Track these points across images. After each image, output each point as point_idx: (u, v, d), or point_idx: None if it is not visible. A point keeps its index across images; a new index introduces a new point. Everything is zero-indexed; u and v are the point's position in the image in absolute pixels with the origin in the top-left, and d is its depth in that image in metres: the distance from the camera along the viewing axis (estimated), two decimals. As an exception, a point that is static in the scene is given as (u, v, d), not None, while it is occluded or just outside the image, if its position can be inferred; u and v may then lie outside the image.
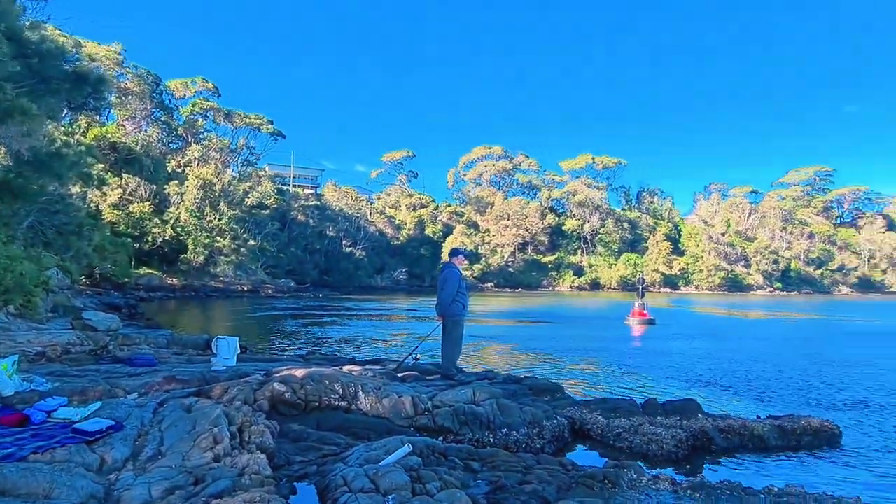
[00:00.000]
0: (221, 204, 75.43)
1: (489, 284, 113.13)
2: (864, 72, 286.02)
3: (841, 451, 10.89)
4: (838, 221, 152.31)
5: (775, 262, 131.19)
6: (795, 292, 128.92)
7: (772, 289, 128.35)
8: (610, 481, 6.77)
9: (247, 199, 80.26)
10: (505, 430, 9.54)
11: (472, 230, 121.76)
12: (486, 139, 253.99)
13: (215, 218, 74.13)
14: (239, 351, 13.49)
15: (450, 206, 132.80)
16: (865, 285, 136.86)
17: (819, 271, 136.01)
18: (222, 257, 71.65)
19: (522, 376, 14.54)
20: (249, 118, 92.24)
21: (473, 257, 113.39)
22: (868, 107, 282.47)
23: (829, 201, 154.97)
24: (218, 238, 72.23)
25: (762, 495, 7.53)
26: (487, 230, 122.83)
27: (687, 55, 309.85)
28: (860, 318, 53.75)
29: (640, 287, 45.05)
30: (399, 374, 12.76)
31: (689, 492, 7.30)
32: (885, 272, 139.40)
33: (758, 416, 12.05)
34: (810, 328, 42.15)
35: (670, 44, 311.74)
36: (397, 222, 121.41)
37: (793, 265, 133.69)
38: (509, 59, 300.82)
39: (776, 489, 7.94)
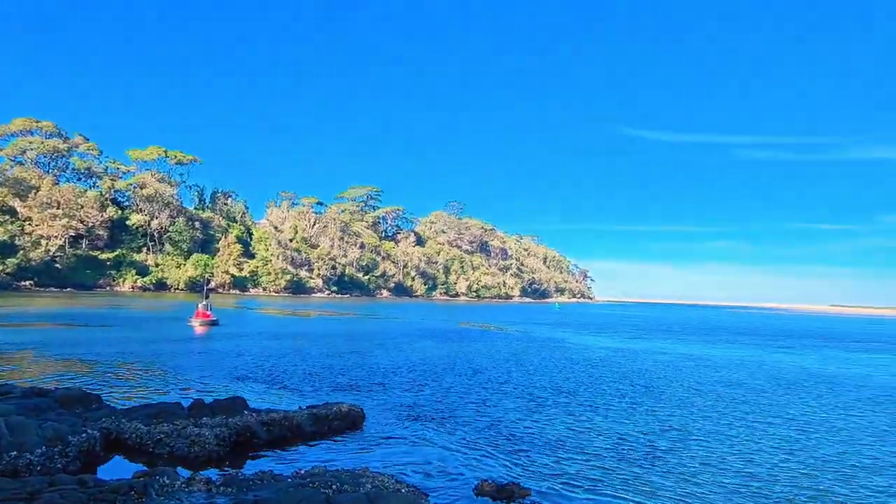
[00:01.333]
0: None
1: (28, 282, 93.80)
2: (411, 109, 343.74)
3: (364, 429, 12.76)
4: (383, 235, 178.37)
5: (334, 267, 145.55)
6: (348, 294, 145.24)
7: (329, 291, 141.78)
8: (137, 492, 6.42)
9: None
10: (15, 453, 8.09)
11: (7, 217, 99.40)
12: (33, 110, 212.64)
13: None
14: None
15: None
16: (400, 290, 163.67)
17: (367, 277, 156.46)
18: None
19: (52, 387, 12.64)
20: None
21: (8, 249, 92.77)
22: (411, 139, 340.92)
23: (377, 217, 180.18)
24: None
25: (290, 479, 8.26)
26: (29, 218, 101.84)
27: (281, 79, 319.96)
28: (393, 316, 64.11)
29: (205, 288, 44.40)
30: None
31: (223, 488, 7.47)
32: (413, 279, 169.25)
33: (300, 407, 13.15)
34: (355, 324, 48.11)
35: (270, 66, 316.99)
36: None
37: (347, 271, 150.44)
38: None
39: (303, 471, 8.82)
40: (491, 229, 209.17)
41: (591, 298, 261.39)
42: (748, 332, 62.56)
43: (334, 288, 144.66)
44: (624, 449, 11.72)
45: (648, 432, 13.15)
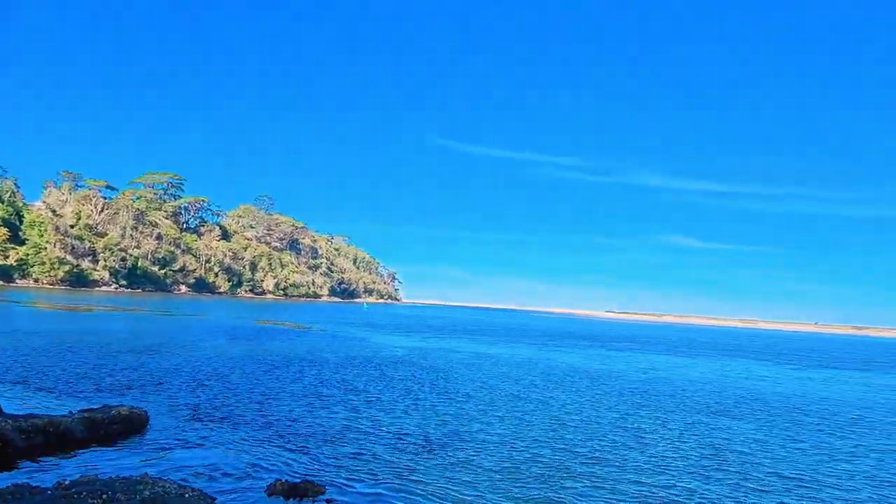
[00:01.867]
0: None
1: None
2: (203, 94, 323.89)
3: (148, 433, 12.11)
4: (184, 227, 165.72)
5: (124, 259, 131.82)
6: (140, 290, 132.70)
7: (118, 286, 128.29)
8: None
9: None
10: None
11: None
12: None
13: None
14: None
15: None
16: (201, 286, 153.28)
17: (163, 271, 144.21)
18: None
19: None
20: None
21: None
22: (219, 126, 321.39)
23: (178, 207, 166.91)
24: None
25: (50, 491, 7.61)
26: None
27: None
28: (188, 312, 60.09)
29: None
30: None
31: (-37, 504, 6.73)
32: (217, 275, 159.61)
33: (70, 411, 12.06)
34: (143, 321, 44.29)
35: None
36: None
37: (140, 264, 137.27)
38: None
39: (67, 482, 8.16)
40: (302, 227, 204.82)
41: (398, 300, 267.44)
42: (532, 333, 69.00)
43: (124, 282, 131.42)
44: (403, 443, 12.61)
45: (426, 427, 14.24)
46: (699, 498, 10.15)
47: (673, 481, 10.94)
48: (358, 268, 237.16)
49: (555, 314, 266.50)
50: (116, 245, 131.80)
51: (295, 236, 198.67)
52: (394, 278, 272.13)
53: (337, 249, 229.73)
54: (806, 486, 11.24)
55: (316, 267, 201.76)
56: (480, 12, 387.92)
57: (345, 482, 9.83)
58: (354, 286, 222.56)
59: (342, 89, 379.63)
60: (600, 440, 13.94)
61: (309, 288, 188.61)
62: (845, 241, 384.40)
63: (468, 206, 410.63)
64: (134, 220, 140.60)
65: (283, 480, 9.40)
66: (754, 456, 13.36)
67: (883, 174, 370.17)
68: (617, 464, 11.90)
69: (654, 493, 10.23)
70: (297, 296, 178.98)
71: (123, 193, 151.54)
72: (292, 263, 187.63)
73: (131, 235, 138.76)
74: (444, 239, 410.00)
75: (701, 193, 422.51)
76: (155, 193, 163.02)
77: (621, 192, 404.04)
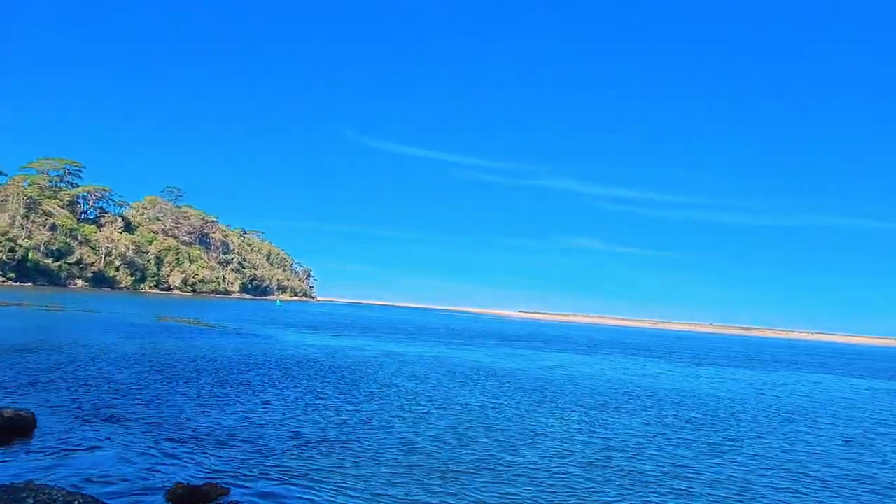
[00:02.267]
0: None
1: None
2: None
3: (35, 437, 11.50)
4: (82, 217, 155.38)
5: (13, 250, 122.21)
6: (31, 284, 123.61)
7: (5, 279, 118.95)
8: None
9: None
10: None
11: None
12: None
13: None
14: None
15: None
16: (100, 280, 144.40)
17: (57, 264, 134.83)
18: None
19: None
20: None
21: None
22: (123, 110, 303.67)
23: (76, 196, 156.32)
24: None
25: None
26: None
27: None
28: (83, 308, 56.71)
29: None
30: None
31: None
32: (118, 269, 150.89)
33: (-57, 417, 11.31)
34: (29, 317, 41.44)
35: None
36: None
37: (31, 255, 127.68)
38: None
39: (-62, 491, 7.70)
40: (213, 221, 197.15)
41: (313, 297, 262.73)
42: (444, 332, 69.97)
43: (12, 275, 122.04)
44: (302, 444, 12.68)
45: (326, 427, 14.38)
46: (583, 494, 10.76)
47: (563, 479, 11.52)
48: (271, 264, 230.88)
49: (469, 314, 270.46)
50: (4, 235, 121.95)
51: (205, 230, 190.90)
52: (309, 276, 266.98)
53: (249, 245, 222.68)
54: (685, 479, 12.06)
55: (227, 262, 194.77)
56: (404, 10, 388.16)
57: (244, 484, 9.81)
58: (267, 283, 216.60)
59: (256, 80, 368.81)
60: (498, 439, 14.50)
61: (219, 284, 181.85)
62: (734, 248, 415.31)
63: (385, 204, 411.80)
64: (25, 208, 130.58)
65: (184, 483, 9.20)
66: (642, 450, 14.29)
67: (773, 186, 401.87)
68: (512, 462, 12.43)
69: (544, 491, 10.74)
70: (206, 292, 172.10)
71: (14, 179, 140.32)
72: (202, 258, 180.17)
73: (21, 225, 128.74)
74: (360, 237, 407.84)
75: (606, 199, 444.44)
76: (49, 180, 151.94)
77: (531, 196, 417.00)
